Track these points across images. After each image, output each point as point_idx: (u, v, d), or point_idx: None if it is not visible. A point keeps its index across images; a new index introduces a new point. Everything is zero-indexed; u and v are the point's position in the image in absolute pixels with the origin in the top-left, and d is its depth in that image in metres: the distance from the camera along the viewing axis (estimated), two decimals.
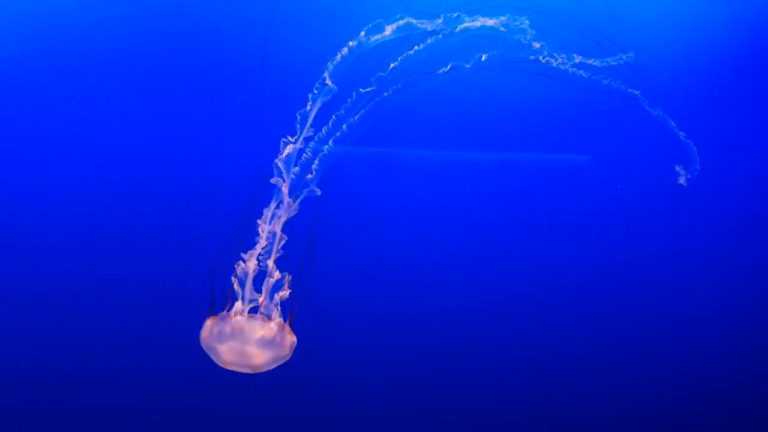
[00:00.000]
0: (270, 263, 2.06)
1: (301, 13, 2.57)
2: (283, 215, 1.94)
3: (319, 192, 2.03)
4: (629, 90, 2.46)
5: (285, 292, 2.12)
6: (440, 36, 2.10)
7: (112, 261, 2.80)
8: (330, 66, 2.07)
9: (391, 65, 2.12)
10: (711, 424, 3.17)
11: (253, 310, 2.10)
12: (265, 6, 2.53)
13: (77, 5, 2.63)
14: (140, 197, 2.75)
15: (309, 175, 2.01)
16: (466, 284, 2.97)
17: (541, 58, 2.31)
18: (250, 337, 2.09)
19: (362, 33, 2.09)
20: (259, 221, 2.00)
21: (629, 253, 2.98)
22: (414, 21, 2.10)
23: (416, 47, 2.15)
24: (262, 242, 1.94)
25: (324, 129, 2.11)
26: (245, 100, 2.65)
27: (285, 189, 1.96)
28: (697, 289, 3.03)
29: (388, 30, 2.04)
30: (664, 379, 3.12)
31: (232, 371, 2.23)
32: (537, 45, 2.21)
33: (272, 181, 1.99)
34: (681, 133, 2.58)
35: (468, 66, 2.26)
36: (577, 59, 2.34)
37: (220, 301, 2.15)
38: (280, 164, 1.95)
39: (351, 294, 2.81)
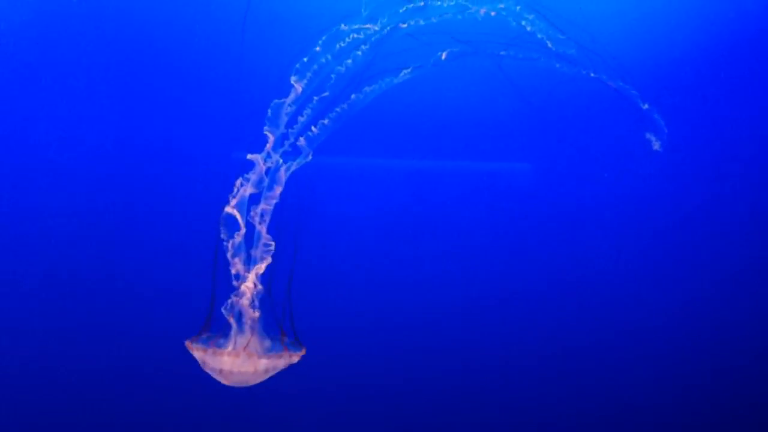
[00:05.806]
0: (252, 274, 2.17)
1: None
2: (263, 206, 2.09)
3: (310, 156, 2.13)
4: (584, 71, 2.60)
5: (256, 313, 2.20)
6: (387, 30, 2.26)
7: (89, 263, 2.85)
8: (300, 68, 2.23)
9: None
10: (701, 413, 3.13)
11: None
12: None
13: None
14: (114, 195, 2.82)
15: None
16: (424, 290, 2.99)
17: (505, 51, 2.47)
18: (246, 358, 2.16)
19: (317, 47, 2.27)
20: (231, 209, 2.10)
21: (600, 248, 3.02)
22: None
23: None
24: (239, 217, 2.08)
25: (286, 143, 2.23)
26: (217, 98, 2.75)
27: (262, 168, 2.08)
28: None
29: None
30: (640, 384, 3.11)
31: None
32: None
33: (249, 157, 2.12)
34: (644, 104, 2.70)
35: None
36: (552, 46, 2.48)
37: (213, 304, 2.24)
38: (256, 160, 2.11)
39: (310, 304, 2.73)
